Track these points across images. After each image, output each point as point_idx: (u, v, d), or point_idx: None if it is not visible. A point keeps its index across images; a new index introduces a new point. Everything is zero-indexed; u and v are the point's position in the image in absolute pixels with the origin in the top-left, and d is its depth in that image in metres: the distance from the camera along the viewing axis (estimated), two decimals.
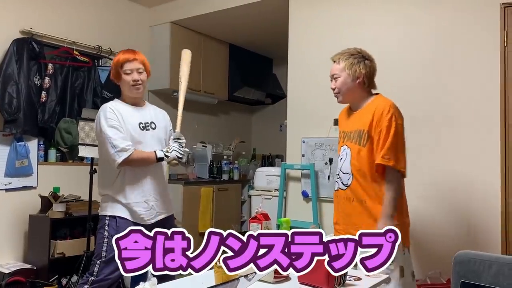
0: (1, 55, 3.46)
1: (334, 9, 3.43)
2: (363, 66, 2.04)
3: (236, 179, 5.29)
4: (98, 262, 2.22)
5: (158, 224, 2.34)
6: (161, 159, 2.28)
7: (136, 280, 3.13)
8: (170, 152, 2.28)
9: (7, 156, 3.52)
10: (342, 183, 2.09)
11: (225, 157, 5.38)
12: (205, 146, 5.11)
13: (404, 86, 2.98)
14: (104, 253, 2.21)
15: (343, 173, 2.08)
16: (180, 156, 2.31)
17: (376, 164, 1.97)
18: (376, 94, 2.13)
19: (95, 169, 3.30)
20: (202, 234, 4.59)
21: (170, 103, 4.83)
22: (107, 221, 2.25)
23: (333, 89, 2.11)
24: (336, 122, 3.30)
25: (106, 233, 2.23)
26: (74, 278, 3.34)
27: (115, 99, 2.38)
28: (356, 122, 2.08)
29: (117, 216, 2.24)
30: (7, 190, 3.52)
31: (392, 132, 1.96)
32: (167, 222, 2.42)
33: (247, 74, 5.51)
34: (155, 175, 2.35)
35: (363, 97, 2.09)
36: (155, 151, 2.28)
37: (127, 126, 2.26)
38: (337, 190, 2.15)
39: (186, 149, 2.38)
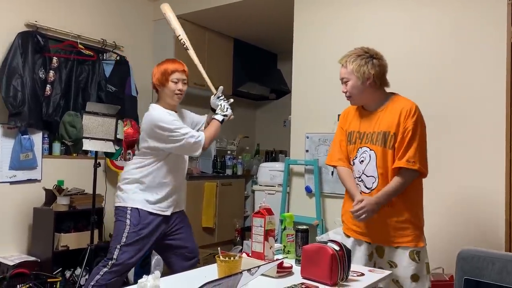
0: (6, 48, 3.46)
1: (339, 5, 3.41)
2: (371, 66, 1.94)
3: (240, 174, 5.29)
4: (118, 246, 2.33)
5: (175, 214, 2.51)
6: (223, 121, 2.46)
7: (139, 273, 3.16)
8: (226, 111, 2.48)
9: (12, 149, 3.53)
10: (365, 187, 1.99)
11: (228, 152, 5.38)
12: None
13: (409, 86, 2.96)
14: (125, 239, 2.33)
15: (367, 176, 1.99)
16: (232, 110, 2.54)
17: (398, 167, 1.90)
18: (392, 93, 2.05)
19: (99, 162, 3.32)
20: (206, 229, 4.66)
21: None
22: (129, 211, 2.37)
23: (345, 93, 2.03)
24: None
25: (128, 221, 2.35)
26: (78, 271, 3.36)
27: (155, 104, 2.46)
28: (377, 123, 1.99)
29: (139, 208, 2.37)
30: (11, 183, 3.54)
31: (418, 134, 1.91)
32: (182, 212, 2.58)
33: (251, 69, 5.49)
34: (182, 171, 2.52)
35: (378, 97, 2.01)
36: (214, 118, 2.46)
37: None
38: None
39: (231, 100, 2.58)
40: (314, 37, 3.53)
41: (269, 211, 1.85)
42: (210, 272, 1.54)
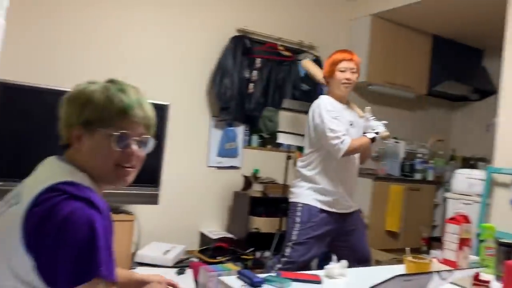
0: (221, 51, 4.00)
1: None
2: None
3: (430, 180, 4.94)
4: (290, 244, 2.36)
5: (349, 215, 2.43)
6: (374, 140, 2.33)
7: (322, 266, 3.24)
8: (378, 128, 2.33)
9: (220, 138, 4.08)
10: None
11: (419, 155, 5.08)
12: (398, 142, 4.93)
13: None
14: (295, 237, 2.34)
15: None
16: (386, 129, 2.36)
17: None
18: None
19: (290, 155, 3.56)
20: (389, 233, 4.51)
21: (365, 97, 4.82)
22: (299, 208, 2.38)
23: None
24: None
25: (298, 219, 2.36)
26: (267, 253, 3.67)
27: (325, 96, 2.47)
28: None
29: (310, 205, 2.36)
30: (218, 168, 4.09)
31: None
32: (357, 215, 2.49)
33: (451, 67, 5.06)
34: (353, 168, 2.44)
35: None
36: (364, 135, 2.35)
37: (341, 121, 2.37)
38: None
39: (385, 121, 2.41)
40: None
41: (466, 219, 1.70)
42: (396, 272, 1.51)
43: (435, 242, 4.48)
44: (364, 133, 2.38)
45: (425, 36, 4.97)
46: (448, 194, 3.93)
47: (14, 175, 2.74)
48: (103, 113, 1.01)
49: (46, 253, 0.88)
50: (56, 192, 0.92)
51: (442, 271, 1.10)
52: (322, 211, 2.35)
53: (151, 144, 1.10)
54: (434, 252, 3.77)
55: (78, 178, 0.98)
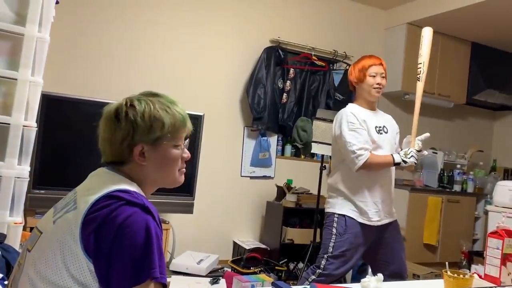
0: (254, 62, 4.03)
1: None
2: None
3: (470, 192, 4.78)
4: (325, 256, 2.31)
5: (384, 227, 2.36)
6: (398, 164, 2.25)
7: (357, 278, 3.18)
8: (409, 158, 2.23)
9: (253, 148, 4.10)
10: None
11: (458, 166, 4.92)
12: (436, 153, 4.79)
13: None
14: (331, 249, 2.30)
15: None
16: (417, 162, 2.28)
17: None
18: None
19: (324, 165, 3.52)
20: (427, 246, 4.36)
21: (400, 106, 4.74)
22: (336, 219, 2.33)
23: None
24: None
25: (334, 230, 2.32)
26: (301, 265, 3.63)
27: (351, 104, 2.46)
28: None
29: (346, 215, 2.31)
30: (251, 177, 4.10)
31: None
32: (392, 226, 2.41)
33: (491, 75, 4.89)
34: (386, 178, 2.37)
35: None
36: (392, 155, 2.27)
37: (369, 128, 2.33)
38: None
39: (425, 152, 2.32)
40: None
41: (509, 233, 1.63)
42: (434, 286, 1.46)
43: (475, 256, 4.31)
44: (398, 152, 2.32)
45: (463, 43, 4.84)
46: (489, 207, 3.77)
47: (56, 184, 2.86)
48: (170, 128, 1.09)
49: (105, 255, 0.93)
50: (113, 199, 0.97)
51: (484, 287, 1.06)
52: (358, 222, 2.30)
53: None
54: (475, 267, 3.62)
55: (131, 187, 1.04)
